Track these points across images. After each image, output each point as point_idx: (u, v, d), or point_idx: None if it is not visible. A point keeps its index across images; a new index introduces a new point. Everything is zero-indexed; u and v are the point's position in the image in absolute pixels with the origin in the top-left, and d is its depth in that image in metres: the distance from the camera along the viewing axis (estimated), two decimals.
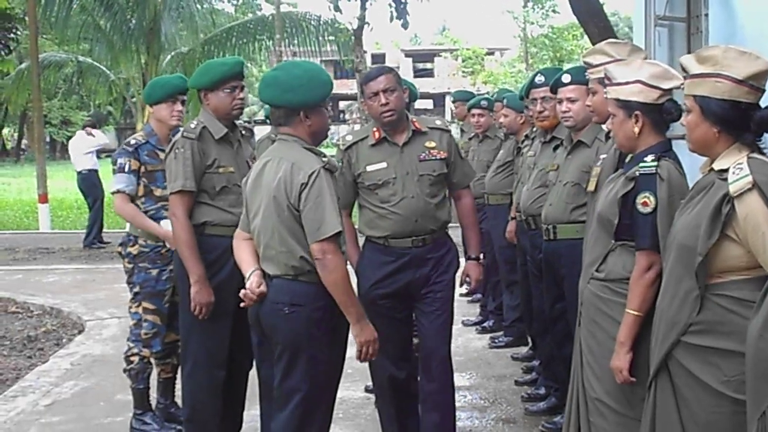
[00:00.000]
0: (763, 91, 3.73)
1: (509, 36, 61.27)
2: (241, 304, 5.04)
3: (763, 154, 3.72)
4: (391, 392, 6.06)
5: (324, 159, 4.89)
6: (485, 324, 9.95)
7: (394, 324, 5.92)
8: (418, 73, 70.40)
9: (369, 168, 5.80)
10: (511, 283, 8.94)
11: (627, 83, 4.40)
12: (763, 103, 3.72)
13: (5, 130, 69.04)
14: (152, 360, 6.76)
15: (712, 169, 3.79)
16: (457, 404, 7.14)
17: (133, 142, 6.70)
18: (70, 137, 21.16)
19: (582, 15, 14.39)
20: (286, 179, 4.81)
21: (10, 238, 19.75)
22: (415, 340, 6.22)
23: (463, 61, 59.02)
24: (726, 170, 3.65)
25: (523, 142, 8.37)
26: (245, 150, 6.19)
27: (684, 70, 3.86)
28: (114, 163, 6.63)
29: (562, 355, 6.34)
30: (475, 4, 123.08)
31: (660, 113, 4.39)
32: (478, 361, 8.75)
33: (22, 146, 67.06)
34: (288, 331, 4.93)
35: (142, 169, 6.59)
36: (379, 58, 66.51)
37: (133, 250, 6.60)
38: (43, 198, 21.07)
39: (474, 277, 6.21)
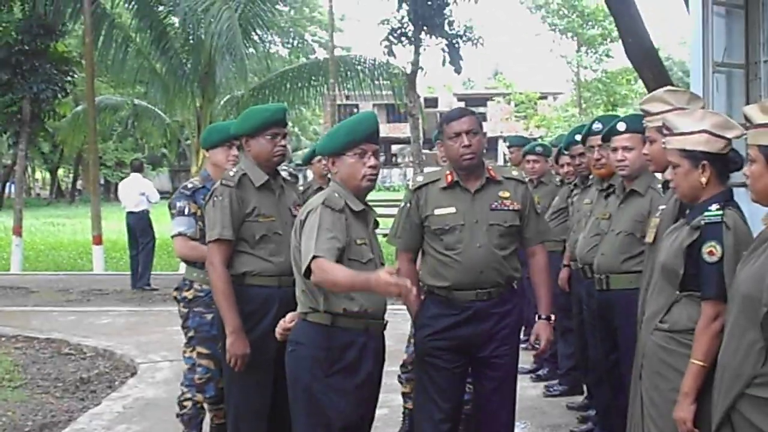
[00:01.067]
0: None
1: (562, 80, 61.25)
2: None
3: None
4: None
5: (327, 197, 4.96)
6: (540, 372, 9.84)
7: (449, 377, 5.65)
8: None
9: (437, 211, 5.58)
10: (565, 331, 8.82)
11: (692, 133, 4.33)
12: None
13: (60, 171, 69.84)
14: (205, 405, 6.72)
15: None
16: None
17: (190, 186, 6.74)
18: (123, 179, 21.30)
19: (637, 60, 14.43)
20: (298, 217, 5.10)
21: (64, 279, 19.85)
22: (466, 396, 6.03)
23: (516, 105, 58.98)
24: None
25: (572, 191, 8.34)
26: (288, 197, 6.13)
27: (747, 119, 3.81)
28: (172, 207, 6.65)
29: (617, 405, 6.23)
30: (529, 48, 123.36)
31: (724, 163, 4.34)
32: (533, 410, 8.62)
33: (78, 187, 67.77)
34: (291, 369, 4.98)
35: (199, 212, 6.57)
36: (431, 102, 66.68)
37: (189, 294, 6.59)
38: (98, 239, 21.20)
39: (545, 337, 5.89)
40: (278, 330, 5.16)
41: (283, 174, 6.23)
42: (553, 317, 5.96)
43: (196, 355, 6.59)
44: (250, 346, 5.74)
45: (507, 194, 5.68)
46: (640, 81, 17.20)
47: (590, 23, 49.66)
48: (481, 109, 67.27)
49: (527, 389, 9.34)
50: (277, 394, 5.80)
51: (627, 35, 14.82)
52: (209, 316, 6.52)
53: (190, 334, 6.63)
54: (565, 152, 8.54)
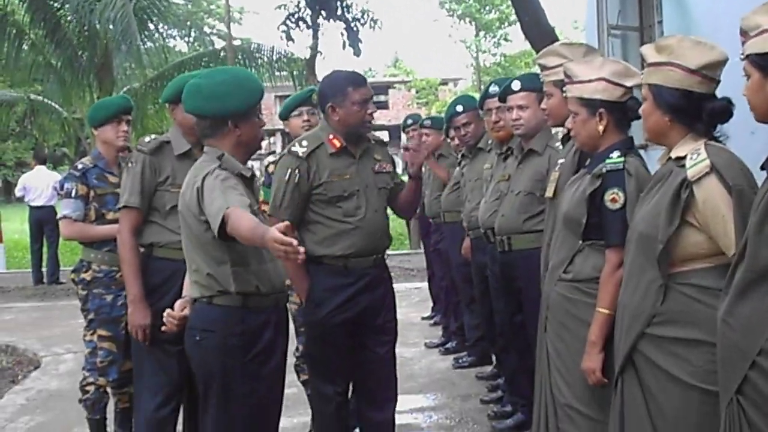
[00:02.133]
0: (718, 81, 3.70)
1: (462, 65, 61.57)
2: (162, 329, 4.73)
3: (719, 143, 3.68)
4: (335, 414, 5.71)
5: (221, 158, 4.47)
6: (448, 345, 9.89)
7: (342, 350, 5.62)
8: None
9: (334, 178, 5.44)
10: (471, 302, 8.83)
11: (590, 81, 4.33)
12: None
13: None
14: (108, 389, 6.55)
15: (669, 158, 3.75)
16: (423, 425, 7.14)
17: (80, 166, 6.53)
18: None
19: (534, 38, 14.52)
20: (185, 192, 4.51)
21: None
22: None
23: (417, 92, 59.20)
24: (683, 157, 3.62)
25: (460, 162, 8.35)
26: None
27: (643, 59, 3.82)
28: (61, 188, 6.50)
29: (524, 368, 6.22)
30: (428, 34, 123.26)
31: (623, 111, 4.33)
32: (443, 382, 8.64)
33: None
34: (201, 360, 4.54)
35: (92, 193, 6.42)
36: None
37: (87, 276, 6.39)
38: None
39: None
40: (171, 321, 4.64)
41: None
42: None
43: (97, 337, 6.41)
44: (153, 320, 5.43)
45: (380, 157, 5.69)
46: None
47: (487, 7, 50.02)
48: (383, 97, 67.35)
49: (436, 362, 9.42)
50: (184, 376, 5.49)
51: (523, 14, 14.90)
52: (109, 297, 6.35)
53: (90, 316, 6.43)
54: (448, 125, 8.52)
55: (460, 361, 9.22)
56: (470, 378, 8.71)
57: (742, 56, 3.17)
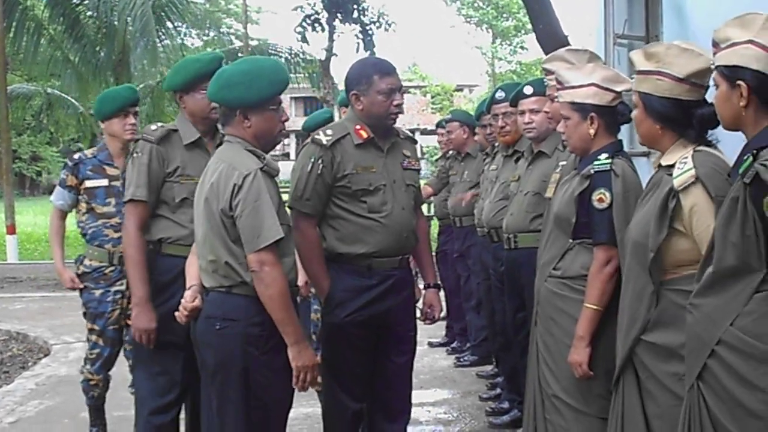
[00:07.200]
0: (707, 87, 3.77)
1: (478, 72, 61.58)
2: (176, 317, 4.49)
3: (712, 146, 3.77)
4: (349, 428, 5.35)
5: (263, 160, 4.35)
6: (453, 345, 10.01)
7: (362, 355, 5.21)
8: None
9: (359, 170, 5.10)
10: (479, 304, 8.85)
11: (581, 86, 4.48)
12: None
13: None
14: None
15: (660, 165, 3.86)
16: (422, 419, 7.25)
17: (75, 157, 6.57)
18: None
19: (548, 46, 14.51)
20: (218, 182, 4.30)
21: None
22: None
23: (432, 97, 59.20)
24: (673, 165, 3.71)
25: (484, 159, 8.38)
26: None
27: (633, 65, 3.94)
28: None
29: (524, 366, 6.33)
30: (444, 40, 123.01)
31: (613, 115, 4.48)
32: (444, 379, 8.81)
33: None
34: (220, 349, 4.36)
35: (84, 185, 6.42)
36: None
37: (79, 270, 6.50)
38: (11, 229, 20.82)
39: (437, 307, 5.62)
40: (182, 312, 4.45)
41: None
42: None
43: (88, 330, 6.53)
44: (159, 322, 5.16)
45: (409, 153, 5.40)
46: None
47: (504, 15, 50.15)
48: None
49: (439, 360, 9.60)
50: (194, 377, 4.99)
51: (538, 21, 14.93)
52: (98, 292, 6.40)
53: (83, 309, 6.55)
54: (476, 122, 8.58)
55: (462, 359, 9.36)
56: (471, 376, 8.86)
57: (713, 67, 3.32)
